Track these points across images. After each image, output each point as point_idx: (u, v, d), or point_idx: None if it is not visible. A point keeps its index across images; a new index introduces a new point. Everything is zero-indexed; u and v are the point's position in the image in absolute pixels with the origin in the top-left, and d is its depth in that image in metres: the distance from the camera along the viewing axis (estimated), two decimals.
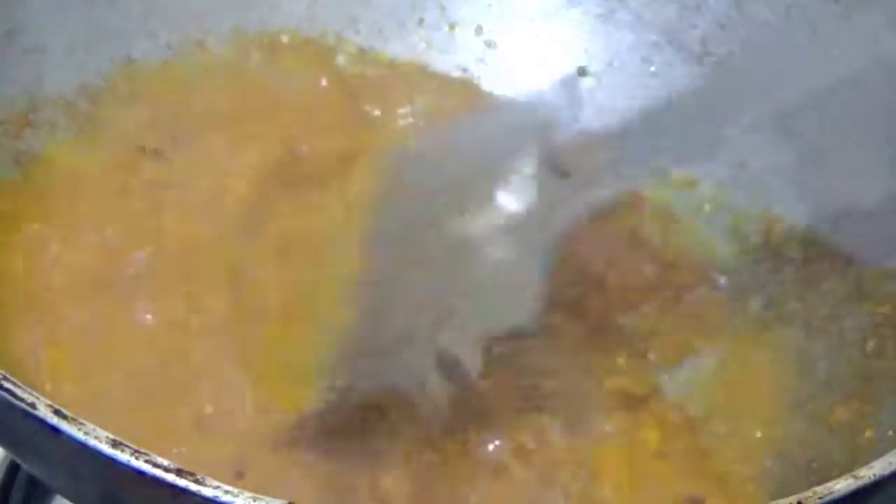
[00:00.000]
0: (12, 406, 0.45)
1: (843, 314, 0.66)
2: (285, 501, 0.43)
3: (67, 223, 0.67)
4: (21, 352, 0.61)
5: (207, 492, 0.43)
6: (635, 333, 0.68)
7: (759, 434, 0.64)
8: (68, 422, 0.44)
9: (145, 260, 0.66)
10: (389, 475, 0.60)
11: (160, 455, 0.43)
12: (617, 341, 0.68)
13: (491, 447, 0.62)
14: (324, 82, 0.76)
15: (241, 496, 0.43)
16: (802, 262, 0.69)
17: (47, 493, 0.66)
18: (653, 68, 0.76)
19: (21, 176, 0.67)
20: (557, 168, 0.66)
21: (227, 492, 0.43)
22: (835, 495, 0.46)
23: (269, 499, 0.43)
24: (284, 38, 0.76)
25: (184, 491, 0.43)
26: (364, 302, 0.63)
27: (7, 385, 0.45)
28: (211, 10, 0.75)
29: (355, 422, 0.62)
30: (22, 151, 0.67)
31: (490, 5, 0.78)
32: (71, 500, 0.57)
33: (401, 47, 0.78)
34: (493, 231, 0.63)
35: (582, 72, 0.77)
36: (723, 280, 0.71)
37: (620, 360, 0.67)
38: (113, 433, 0.44)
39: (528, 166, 0.64)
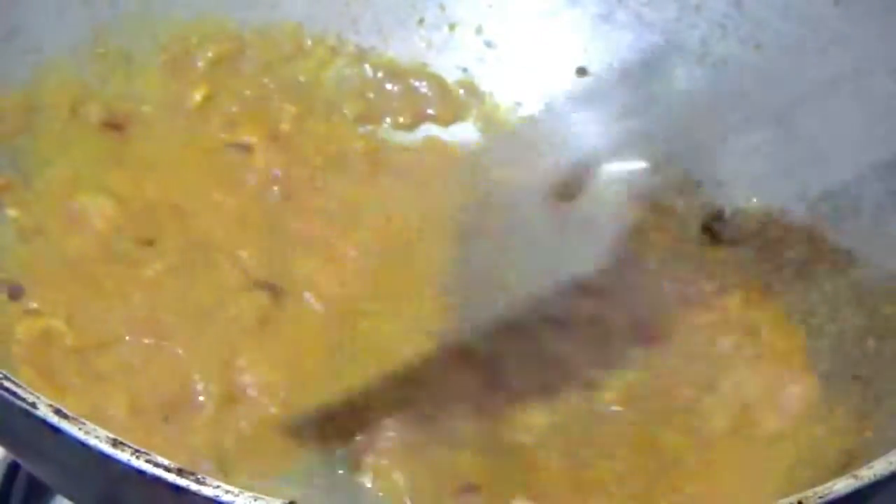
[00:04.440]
0: (12, 406, 0.45)
1: (843, 314, 0.66)
2: (286, 501, 0.43)
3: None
4: None
5: (208, 491, 0.43)
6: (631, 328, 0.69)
7: None
8: (68, 422, 0.44)
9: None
10: None
11: None
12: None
13: None
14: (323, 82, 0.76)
15: (241, 496, 0.43)
16: (802, 262, 0.69)
17: (47, 493, 0.66)
18: (653, 68, 0.76)
19: (20, 177, 0.67)
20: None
21: (227, 492, 0.43)
22: (835, 495, 0.46)
23: (269, 499, 0.43)
24: (285, 39, 0.76)
25: (184, 491, 0.43)
26: None
27: (7, 385, 0.45)
28: (211, 11, 0.75)
29: None
30: (21, 152, 0.67)
31: (490, 5, 0.78)
32: (71, 500, 0.57)
33: (401, 47, 0.78)
34: None
35: (582, 72, 0.77)
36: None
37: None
38: None
39: None
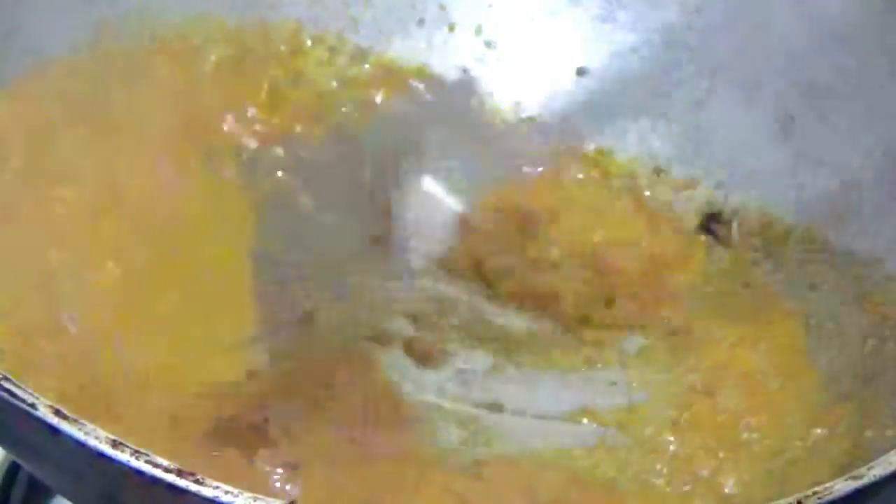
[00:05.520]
0: (12, 406, 0.45)
1: (843, 314, 0.66)
2: (285, 501, 0.43)
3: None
4: None
5: (207, 492, 0.43)
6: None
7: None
8: (68, 422, 0.44)
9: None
10: None
11: None
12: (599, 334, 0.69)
13: None
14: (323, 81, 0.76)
15: (241, 496, 0.43)
16: (802, 262, 0.69)
17: (47, 493, 0.66)
18: (653, 68, 0.76)
19: None
20: None
21: (227, 492, 0.43)
22: (835, 495, 0.46)
23: (269, 499, 0.43)
24: (285, 39, 0.76)
25: (184, 491, 0.43)
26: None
27: (7, 385, 0.45)
28: (211, 11, 0.75)
29: None
30: None
31: (490, 5, 0.78)
32: (71, 500, 0.57)
33: (401, 47, 0.78)
34: None
35: (582, 72, 0.77)
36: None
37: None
38: None
39: None
